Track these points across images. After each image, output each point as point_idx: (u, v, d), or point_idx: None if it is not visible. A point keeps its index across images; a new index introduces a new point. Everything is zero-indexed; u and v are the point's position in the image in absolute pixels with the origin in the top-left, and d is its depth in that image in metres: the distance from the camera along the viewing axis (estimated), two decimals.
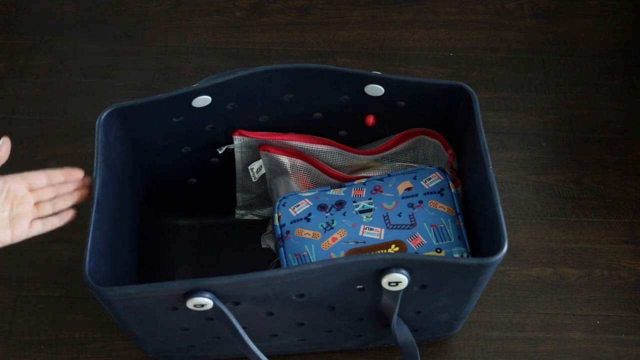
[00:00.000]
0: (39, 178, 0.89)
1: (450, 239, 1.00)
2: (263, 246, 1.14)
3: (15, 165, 1.27)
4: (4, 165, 1.27)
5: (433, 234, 1.00)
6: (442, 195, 1.03)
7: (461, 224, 1.01)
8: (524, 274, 1.18)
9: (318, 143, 1.08)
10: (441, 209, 1.02)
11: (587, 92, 1.36)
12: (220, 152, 1.09)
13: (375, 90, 1.01)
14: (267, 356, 0.93)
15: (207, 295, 0.84)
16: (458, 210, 1.02)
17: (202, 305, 0.85)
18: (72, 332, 1.13)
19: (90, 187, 0.92)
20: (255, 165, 1.10)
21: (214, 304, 0.85)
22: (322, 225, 1.03)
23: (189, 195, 1.17)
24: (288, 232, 1.04)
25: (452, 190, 1.03)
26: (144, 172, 1.08)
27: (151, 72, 1.37)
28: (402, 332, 0.99)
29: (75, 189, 0.92)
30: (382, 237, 1.01)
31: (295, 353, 1.10)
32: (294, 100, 1.04)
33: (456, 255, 0.99)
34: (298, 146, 1.08)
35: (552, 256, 1.20)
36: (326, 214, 1.04)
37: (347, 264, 0.85)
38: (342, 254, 1.01)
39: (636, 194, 1.25)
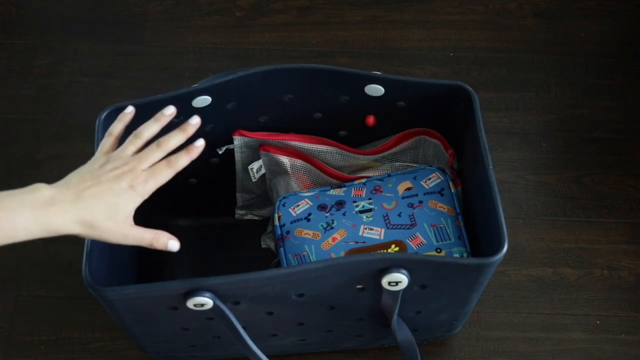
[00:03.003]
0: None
1: (450, 239, 1.00)
2: (263, 246, 1.14)
3: (16, 165, 1.28)
4: (4, 168, 1.27)
5: (433, 234, 1.00)
6: (442, 195, 1.03)
7: (461, 224, 1.01)
8: (524, 274, 1.18)
9: (318, 143, 1.08)
10: (441, 209, 1.02)
11: (587, 92, 1.36)
12: (220, 152, 1.09)
13: (375, 90, 1.01)
14: (267, 356, 0.93)
15: (207, 294, 0.84)
16: (458, 210, 1.02)
17: (202, 305, 0.85)
18: (72, 332, 1.13)
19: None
20: (255, 165, 1.10)
21: (214, 304, 0.85)
22: (322, 225, 1.03)
23: (189, 195, 1.17)
24: (288, 232, 1.04)
25: (452, 190, 1.03)
26: None
27: (151, 72, 1.37)
28: (402, 332, 0.99)
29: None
30: (382, 237, 1.01)
31: (295, 353, 1.10)
32: (294, 100, 1.04)
33: (456, 255, 0.99)
34: (298, 146, 1.08)
35: (552, 256, 1.20)
36: (326, 214, 1.04)
37: (347, 263, 0.85)
38: (342, 254, 1.01)
39: (636, 194, 1.25)
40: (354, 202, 1.04)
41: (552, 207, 1.24)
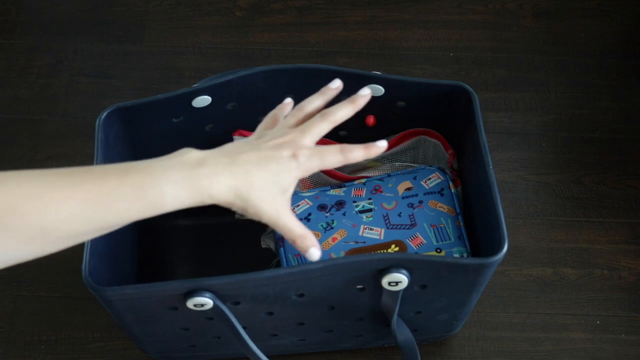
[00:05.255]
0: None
1: (450, 239, 1.00)
2: (263, 246, 1.14)
3: (16, 165, 1.28)
4: (4, 168, 1.27)
5: (433, 234, 1.00)
6: (442, 195, 1.03)
7: (461, 224, 1.01)
8: (524, 274, 1.18)
9: (318, 143, 1.08)
10: (441, 209, 1.02)
11: (587, 92, 1.36)
12: None
13: (375, 90, 1.01)
14: (267, 356, 0.93)
15: (207, 295, 0.84)
16: (458, 210, 1.02)
17: (202, 305, 0.85)
18: (72, 332, 1.13)
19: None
20: None
21: (214, 304, 0.85)
22: (322, 225, 1.03)
23: None
24: None
25: (452, 190, 1.03)
26: None
27: (151, 72, 1.37)
28: (402, 332, 0.99)
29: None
30: (382, 237, 1.01)
31: (295, 353, 1.10)
32: (294, 100, 1.04)
33: (456, 255, 0.99)
34: None
35: (552, 256, 1.20)
36: (326, 214, 1.04)
37: (347, 263, 0.85)
38: (342, 254, 1.01)
39: (636, 194, 1.25)
40: (354, 202, 1.04)
41: (552, 207, 1.24)
